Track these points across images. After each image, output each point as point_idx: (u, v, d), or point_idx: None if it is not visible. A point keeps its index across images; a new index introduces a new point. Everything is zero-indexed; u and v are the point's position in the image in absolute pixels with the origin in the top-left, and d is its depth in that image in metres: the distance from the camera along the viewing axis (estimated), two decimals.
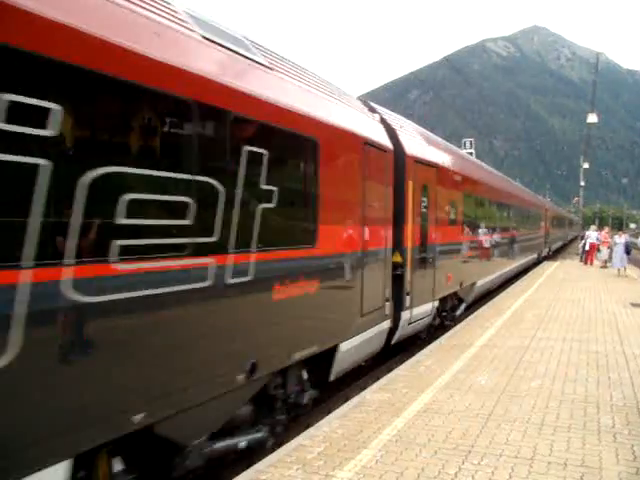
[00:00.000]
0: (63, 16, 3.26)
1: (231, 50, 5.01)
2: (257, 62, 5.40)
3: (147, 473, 4.20)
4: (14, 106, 2.93)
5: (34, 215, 3.03)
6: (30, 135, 3.06)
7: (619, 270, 22.92)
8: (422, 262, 9.84)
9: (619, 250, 23.03)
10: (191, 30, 4.50)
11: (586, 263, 29.23)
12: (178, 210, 4.16)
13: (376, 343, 8.13)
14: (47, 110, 3.12)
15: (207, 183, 4.42)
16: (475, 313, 13.24)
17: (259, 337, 5.21)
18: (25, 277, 3.00)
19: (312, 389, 6.46)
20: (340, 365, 6.96)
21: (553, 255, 38.66)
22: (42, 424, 3.13)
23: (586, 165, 59.13)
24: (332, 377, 6.93)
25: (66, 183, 3.23)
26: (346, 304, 7.06)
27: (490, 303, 14.91)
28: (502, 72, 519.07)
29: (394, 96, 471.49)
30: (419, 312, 9.75)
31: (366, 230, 7.43)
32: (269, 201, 5.21)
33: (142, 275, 3.82)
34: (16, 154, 2.98)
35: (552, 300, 15.10)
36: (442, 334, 10.87)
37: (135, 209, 3.70)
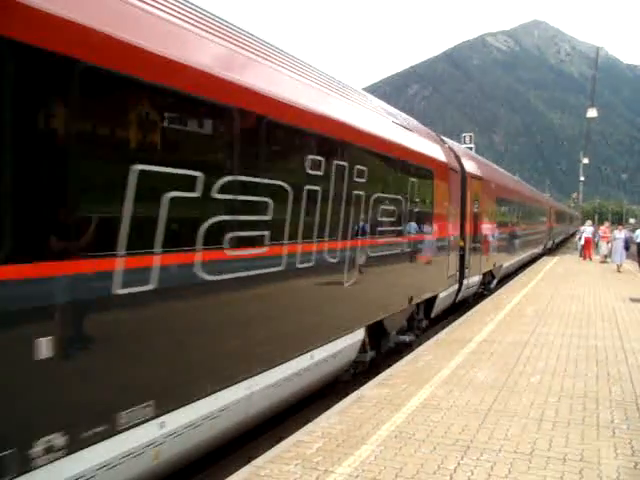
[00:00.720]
0: (352, 119, 7.14)
1: (403, 127, 9.37)
2: (406, 128, 9.57)
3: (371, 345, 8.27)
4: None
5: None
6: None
7: (618, 265, 22.81)
8: (474, 247, 14.09)
9: (618, 245, 22.90)
10: (387, 117, 8.79)
11: (585, 258, 29.20)
12: (396, 213, 8.57)
13: (451, 298, 12.58)
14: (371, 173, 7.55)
15: (399, 200, 8.69)
16: (475, 308, 13.23)
17: (413, 282, 9.65)
18: (348, 245, 6.85)
19: (425, 320, 11.01)
20: (437, 307, 11.38)
21: (554, 248, 41.32)
22: (362, 315, 7.63)
23: (586, 160, 59.09)
24: (432, 315, 11.31)
25: (372, 205, 7.54)
26: (442, 269, 11.38)
27: (489, 298, 14.90)
28: (502, 67, 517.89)
29: (394, 90, 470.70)
30: (472, 282, 14.15)
31: (449, 224, 11.79)
32: (416, 207, 9.46)
33: (384, 245, 8.12)
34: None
35: (551, 295, 15.10)
36: (482, 300, 14.70)
37: (384, 214, 8.04)
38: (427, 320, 11.06)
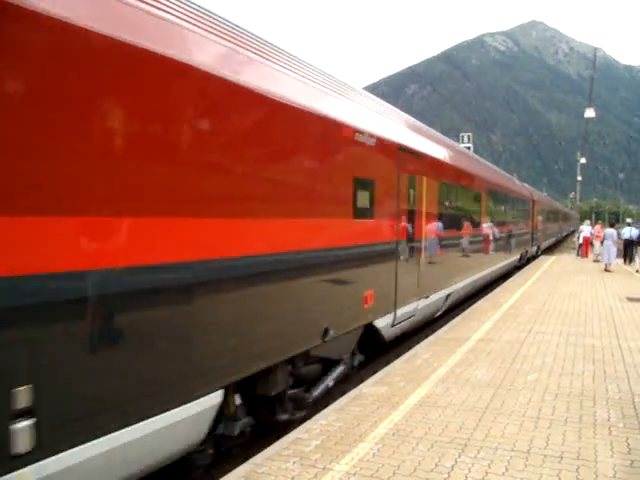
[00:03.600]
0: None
1: (524, 187, 29.82)
2: (523, 187, 28.86)
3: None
4: None
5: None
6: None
7: (606, 265, 22.42)
8: (534, 234, 29.25)
9: (609, 245, 22.59)
10: (521, 184, 30.38)
11: (585, 256, 29.31)
12: (526, 219, 27.18)
13: (530, 253, 28.46)
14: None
15: (529, 214, 28.02)
16: (472, 307, 13.26)
17: (525, 243, 26.32)
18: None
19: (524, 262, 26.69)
20: (527, 255, 26.98)
21: (562, 239, 56.09)
22: (518, 251, 24.38)
23: (583, 160, 59.09)
24: (524, 260, 26.33)
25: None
26: (528, 239, 27.42)
27: (487, 297, 14.94)
28: (500, 67, 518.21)
29: (392, 90, 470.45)
30: (534, 249, 29.75)
31: (531, 223, 28.48)
32: (528, 216, 27.19)
33: (523, 229, 25.54)
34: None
35: (549, 294, 15.15)
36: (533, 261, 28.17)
37: (522, 219, 25.44)
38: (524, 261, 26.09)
